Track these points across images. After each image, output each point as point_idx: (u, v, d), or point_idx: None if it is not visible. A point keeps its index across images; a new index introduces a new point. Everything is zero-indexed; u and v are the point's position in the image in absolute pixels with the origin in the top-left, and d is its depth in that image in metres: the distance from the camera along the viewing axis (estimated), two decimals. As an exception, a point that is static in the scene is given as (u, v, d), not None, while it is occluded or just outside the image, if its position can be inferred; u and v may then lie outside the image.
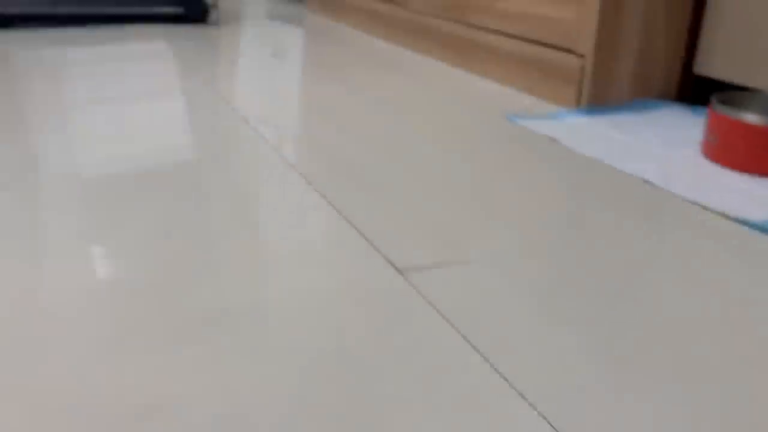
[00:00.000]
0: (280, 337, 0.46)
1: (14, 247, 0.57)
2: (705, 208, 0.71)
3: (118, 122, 0.92)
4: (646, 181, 0.77)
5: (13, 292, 0.50)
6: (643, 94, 1.09)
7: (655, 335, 0.47)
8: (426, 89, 1.17)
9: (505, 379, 0.42)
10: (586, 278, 0.55)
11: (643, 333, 0.48)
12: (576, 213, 0.68)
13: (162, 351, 0.44)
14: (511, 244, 0.61)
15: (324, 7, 2.01)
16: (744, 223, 0.68)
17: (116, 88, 1.10)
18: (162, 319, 0.47)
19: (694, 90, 1.11)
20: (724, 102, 0.84)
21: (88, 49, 1.41)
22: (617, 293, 0.53)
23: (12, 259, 0.55)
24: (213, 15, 1.74)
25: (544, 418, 0.39)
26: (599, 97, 1.05)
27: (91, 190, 0.69)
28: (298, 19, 1.97)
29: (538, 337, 0.47)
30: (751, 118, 0.80)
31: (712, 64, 1.04)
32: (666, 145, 0.89)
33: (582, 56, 1.04)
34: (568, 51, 1.07)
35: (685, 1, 1.06)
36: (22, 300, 0.49)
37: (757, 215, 0.69)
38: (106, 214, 0.63)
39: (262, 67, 1.31)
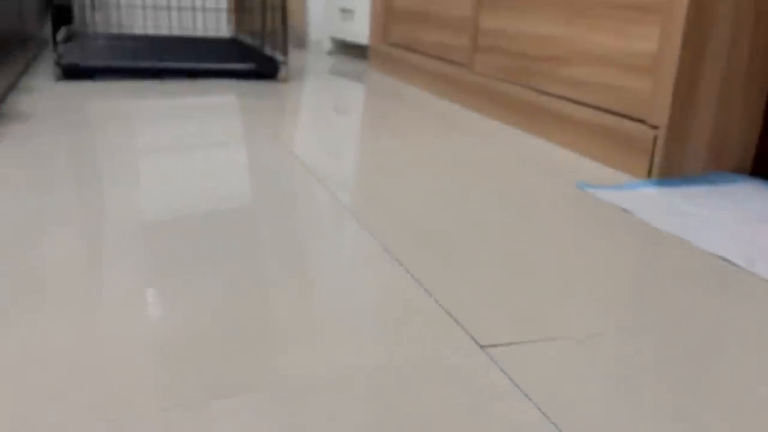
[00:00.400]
0: (350, 414, 0.45)
1: (73, 293, 0.58)
2: (791, 291, 0.68)
3: (185, 171, 0.95)
4: (723, 259, 0.75)
5: (72, 340, 0.51)
6: (717, 167, 1.07)
7: (744, 424, 0.45)
8: (491, 152, 1.18)
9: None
10: (669, 360, 0.53)
11: (732, 421, 0.46)
12: (655, 290, 0.67)
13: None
14: (592, 321, 0.59)
15: (386, 65, 2.06)
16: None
17: (186, 138, 1.14)
18: (229, 385, 0.47)
19: (770, 164, 1.09)
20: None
21: (162, 101, 1.46)
22: (702, 378, 0.51)
23: (72, 307, 0.56)
24: (282, 71, 1.80)
25: None
26: (672, 168, 1.04)
27: (156, 236, 0.71)
28: (360, 76, 2.02)
29: (624, 423, 0.45)
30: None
31: (790, 139, 1.02)
32: (744, 222, 0.87)
33: (655, 127, 1.04)
34: (641, 121, 1.07)
35: (762, 74, 1.05)
36: (80, 349, 0.50)
37: None
38: (168, 261, 0.65)
39: (326, 121, 1.34)
